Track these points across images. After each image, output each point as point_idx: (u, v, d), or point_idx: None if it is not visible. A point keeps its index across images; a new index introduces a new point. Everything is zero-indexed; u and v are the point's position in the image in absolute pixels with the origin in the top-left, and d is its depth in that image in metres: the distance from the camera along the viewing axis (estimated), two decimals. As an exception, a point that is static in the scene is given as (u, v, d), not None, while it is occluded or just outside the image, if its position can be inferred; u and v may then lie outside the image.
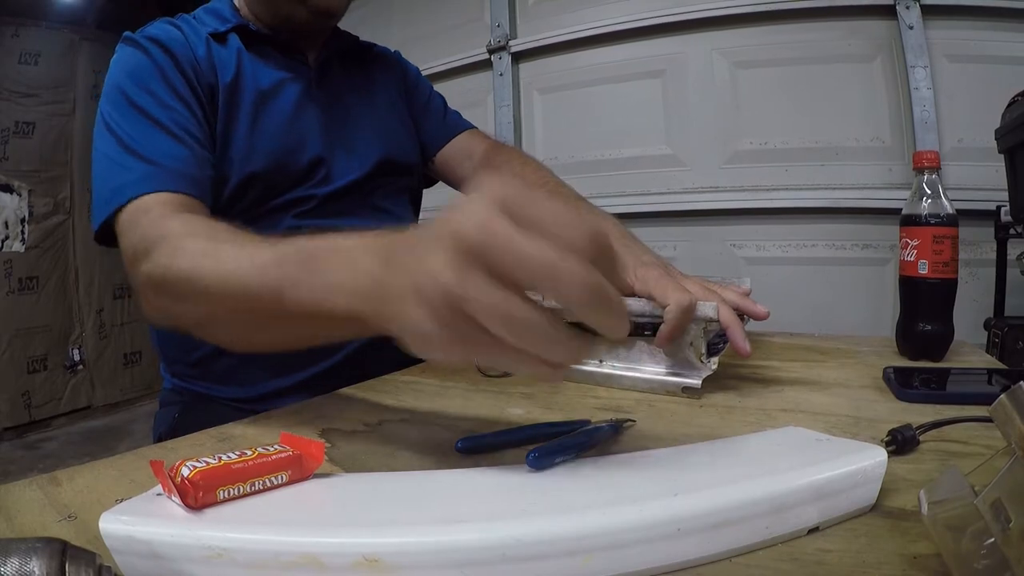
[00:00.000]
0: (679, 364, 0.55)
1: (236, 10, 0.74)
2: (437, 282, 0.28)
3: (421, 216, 0.91)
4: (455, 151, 0.86)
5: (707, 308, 0.52)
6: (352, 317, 0.36)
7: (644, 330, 0.55)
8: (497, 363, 0.30)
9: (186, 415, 0.70)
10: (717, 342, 0.57)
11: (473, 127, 0.90)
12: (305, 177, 0.70)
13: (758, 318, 0.56)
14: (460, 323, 0.28)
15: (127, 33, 0.67)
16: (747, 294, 0.62)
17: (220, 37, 0.70)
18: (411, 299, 0.30)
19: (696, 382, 0.53)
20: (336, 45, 0.79)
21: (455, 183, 0.87)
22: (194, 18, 0.72)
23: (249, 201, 0.68)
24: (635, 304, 0.55)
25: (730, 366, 0.64)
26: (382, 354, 0.72)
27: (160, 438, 0.68)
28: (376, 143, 0.77)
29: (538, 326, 0.27)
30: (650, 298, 0.54)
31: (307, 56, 0.76)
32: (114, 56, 0.65)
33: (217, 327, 0.49)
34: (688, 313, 0.51)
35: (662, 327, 0.52)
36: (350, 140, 0.75)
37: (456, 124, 0.88)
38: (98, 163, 0.59)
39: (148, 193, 0.55)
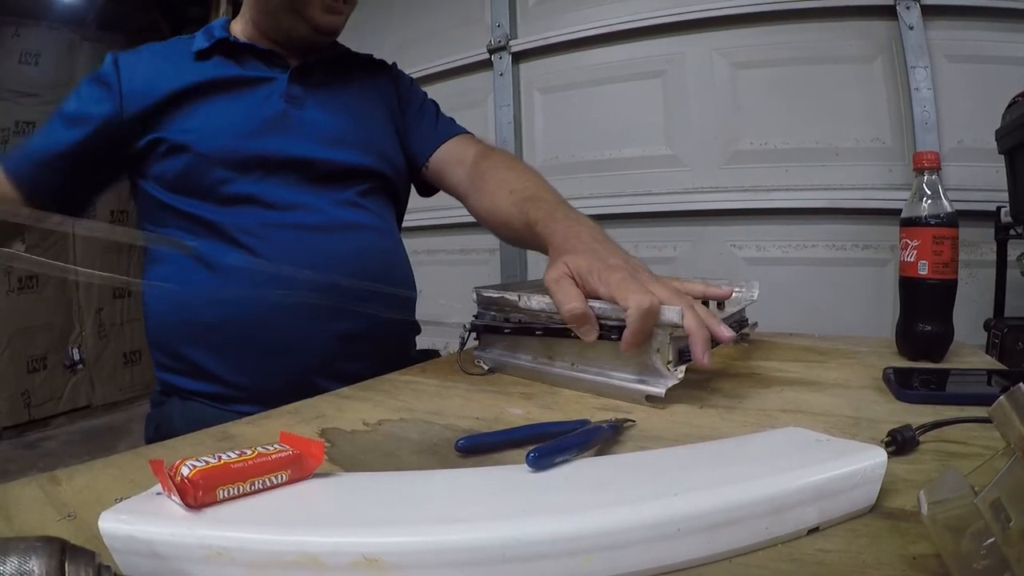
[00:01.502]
0: (646, 371, 0.52)
1: (226, 28, 0.79)
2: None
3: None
4: (447, 157, 0.85)
5: (671, 313, 0.49)
6: None
7: (612, 333, 0.52)
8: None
9: (169, 415, 0.72)
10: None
11: (466, 132, 0.89)
12: (255, 166, 0.72)
13: (720, 340, 0.51)
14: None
15: (110, 55, 0.76)
16: (727, 297, 0.60)
17: (204, 54, 0.76)
18: None
19: (660, 391, 0.50)
20: (324, 54, 0.81)
21: (449, 189, 0.87)
22: (192, 38, 0.78)
23: (211, 182, 0.71)
24: (601, 307, 0.53)
25: (730, 367, 0.64)
26: (355, 350, 0.72)
27: (149, 441, 0.69)
28: (339, 146, 0.77)
29: None
30: (612, 301, 0.51)
31: (290, 62, 0.79)
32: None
33: None
34: (649, 317, 0.49)
35: (624, 332, 0.50)
36: (310, 139, 0.76)
37: (447, 130, 0.88)
38: None
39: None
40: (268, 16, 0.77)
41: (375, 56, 0.90)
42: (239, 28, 0.80)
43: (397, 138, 0.87)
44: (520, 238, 0.73)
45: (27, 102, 2.61)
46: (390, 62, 0.93)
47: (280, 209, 0.72)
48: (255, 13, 0.78)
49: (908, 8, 1.43)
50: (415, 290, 0.84)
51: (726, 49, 1.64)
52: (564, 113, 1.88)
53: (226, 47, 0.76)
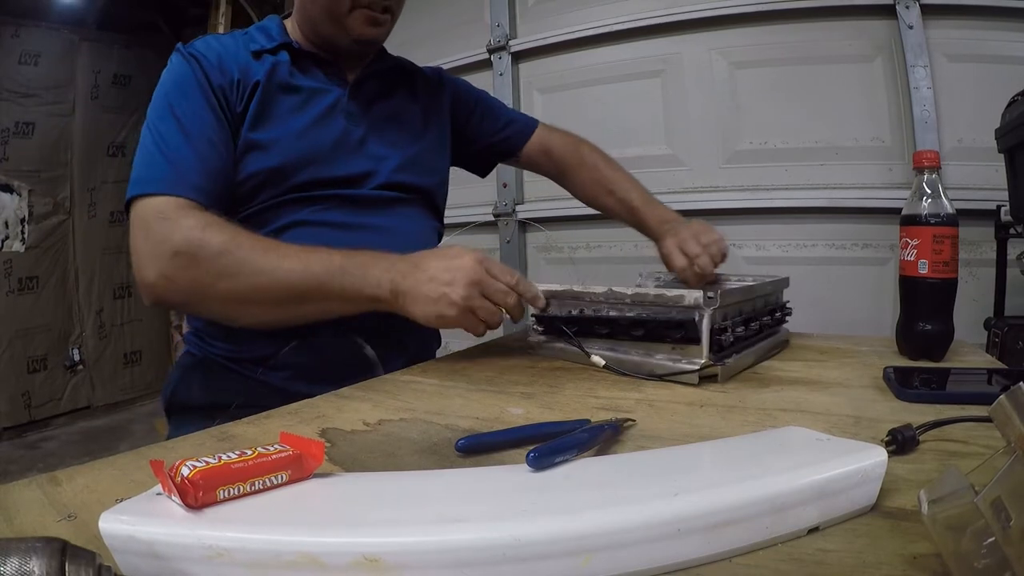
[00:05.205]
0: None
1: (284, 30, 0.79)
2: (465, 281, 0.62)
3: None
4: (535, 148, 0.99)
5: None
6: (375, 300, 0.63)
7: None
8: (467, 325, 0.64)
9: (189, 373, 0.76)
10: None
11: (537, 122, 1.02)
12: (316, 180, 0.74)
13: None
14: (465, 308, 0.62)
15: (180, 45, 0.74)
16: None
17: (265, 53, 0.75)
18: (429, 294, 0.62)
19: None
20: (377, 67, 0.82)
21: (541, 173, 1.03)
22: (245, 34, 0.77)
23: (270, 190, 0.72)
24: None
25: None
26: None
27: (165, 397, 0.76)
28: (390, 161, 0.79)
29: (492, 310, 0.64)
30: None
31: (347, 74, 0.80)
32: (167, 65, 0.73)
33: (246, 304, 0.64)
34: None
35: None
36: (367, 153, 0.78)
37: (526, 122, 1.00)
38: (138, 153, 0.68)
39: (162, 194, 0.64)
40: (309, 24, 0.77)
41: (422, 69, 0.93)
42: (295, 31, 0.79)
43: (448, 147, 0.91)
44: (620, 219, 0.99)
45: (27, 102, 2.61)
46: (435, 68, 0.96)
47: (326, 213, 0.74)
48: (299, 17, 0.78)
49: (908, 7, 1.43)
50: None
51: (725, 48, 1.64)
52: (563, 113, 1.88)
53: (289, 51, 0.76)
